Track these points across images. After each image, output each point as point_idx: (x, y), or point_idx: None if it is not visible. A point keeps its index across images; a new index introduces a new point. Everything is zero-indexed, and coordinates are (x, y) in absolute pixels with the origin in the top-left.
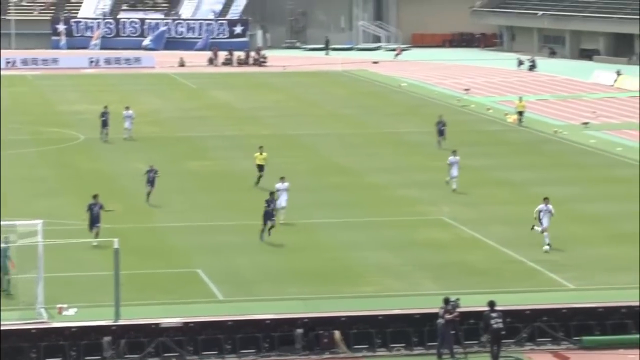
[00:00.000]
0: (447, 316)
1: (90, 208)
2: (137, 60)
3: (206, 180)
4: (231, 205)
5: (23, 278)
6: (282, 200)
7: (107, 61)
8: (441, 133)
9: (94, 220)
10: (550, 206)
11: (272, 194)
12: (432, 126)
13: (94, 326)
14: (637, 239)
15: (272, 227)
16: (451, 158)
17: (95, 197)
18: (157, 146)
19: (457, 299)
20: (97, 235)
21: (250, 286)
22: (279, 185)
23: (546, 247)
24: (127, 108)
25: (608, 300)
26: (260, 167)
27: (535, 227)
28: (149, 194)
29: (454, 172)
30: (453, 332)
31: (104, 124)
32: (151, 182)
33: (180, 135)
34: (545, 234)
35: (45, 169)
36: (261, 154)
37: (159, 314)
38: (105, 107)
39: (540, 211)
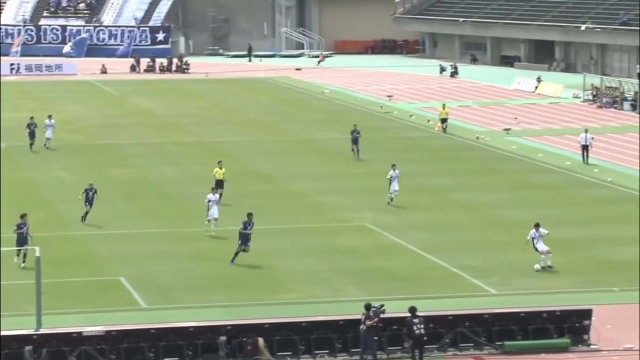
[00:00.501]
0: (368, 322)
1: (19, 227)
2: (59, 67)
3: (128, 188)
4: (153, 212)
5: None
6: (214, 211)
7: (28, 68)
8: (355, 141)
9: (21, 242)
10: (542, 230)
11: (249, 215)
12: None
13: (15, 335)
14: (558, 244)
15: (244, 250)
16: (391, 172)
17: (22, 216)
18: (78, 154)
19: (382, 305)
20: (25, 257)
21: (173, 294)
22: (210, 197)
23: (537, 266)
24: (50, 117)
25: (529, 305)
26: (220, 183)
27: (536, 266)
28: (86, 213)
29: (395, 186)
30: (376, 338)
31: (32, 135)
32: (90, 201)
33: (102, 143)
34: (548, 255)
35: None
36: (220, 168)
37: (81, 323)
38: (32, 117)
39: (533, 238)
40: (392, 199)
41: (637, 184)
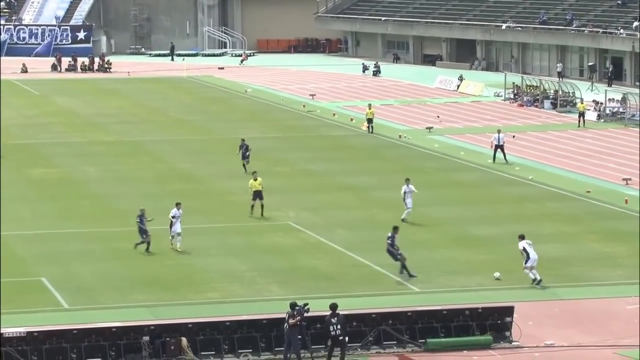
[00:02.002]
0: (291, 321)
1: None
2: None
3: (49, 188)
4: (74, 212)
5: None
6: (177, 227)
7: None
8: (244, 157)
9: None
10: (528, 241)
11: (394, 228)
12: (278, 131)
13: None
14: (480, 242)
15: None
16: (405, 187)
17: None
18: None
19: (306, 304)
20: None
21: (95, 294)
22: (174, 212)
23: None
24: None
25: (451, 302)
26: (259, 194)
27: (526, 271)
28: None
29: (409, 203)
30: (300, 337)
31: None
32: None
33: (23, 143)
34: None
35: None
36: (255, 180)
37: (2, 324)
38: None
39: (524, 248)
40: (404, 219)
41: (557, 182)
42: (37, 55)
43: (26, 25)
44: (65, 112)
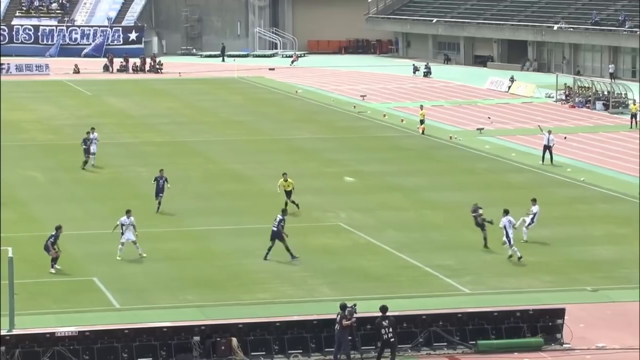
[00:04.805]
0: (345, 322)
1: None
2: (34, 67)
3: (100, 188)
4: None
5: None
6: (130, 235)
7: (2, 68)
8: (161, 190)
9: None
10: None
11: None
12: (328, 132)
13: None
14: (531, 243)
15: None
16: (533, 208)
17: (58, 228)
18: (51, 153)
19: (354, 305)
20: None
21: (146, 294)
22: (123, 220)
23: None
24: (92, 130)
25: (502, 304)
26: (289, 194)
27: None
28: (159, 203)
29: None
30: (350, 337)
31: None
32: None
33: (75, 143)
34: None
35: None
36: (285, 180)
37: (54, 323)
38: (89, 132)
39: (504, 226)
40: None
41: (608, 183)
42: (88, 56)
43: (78, 26)
44: (117, 113)
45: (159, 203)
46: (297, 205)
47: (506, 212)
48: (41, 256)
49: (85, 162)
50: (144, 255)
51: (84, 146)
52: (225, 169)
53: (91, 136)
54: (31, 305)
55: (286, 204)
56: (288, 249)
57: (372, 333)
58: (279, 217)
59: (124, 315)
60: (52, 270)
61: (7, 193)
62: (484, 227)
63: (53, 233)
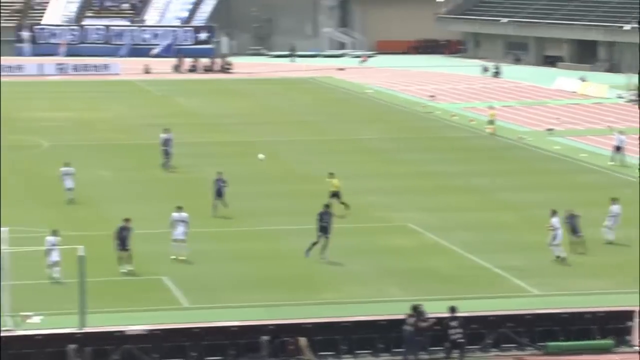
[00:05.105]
0: (422, 324)
1: (121, 230)
2: (102, 67)
3: (170, 188)
4: (195, 212)
5: None
6: (55, 256)
7: (73, 68)
8: (219, 194)
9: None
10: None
11: (327, 206)
12: (397, 132)
13: (59, 334)
14: (602, 245)
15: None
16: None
17: (126, 220)
18: (122, 153)
19: (420, 305)
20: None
21: (215, 293)
22: (175, 215)
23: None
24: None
25: (572, 306)
26: (336, 194)
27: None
28: (214, 206)
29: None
30: (418, 338)
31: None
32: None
33: (145, 143)
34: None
35: (8, 177)
36: (332, 180)
37: (124, 322)
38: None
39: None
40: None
41: None
42: (158, 56)
43: (149, 27)
44: (187, 113)
45: (215, 206)
46: (346, 205)
47: (554, 213)
48: (111, 255)
49: (165, 163)
50: (184, 258)
51: (164, 147)
52: (294, 169)
53: (166, 136)
54: (102, 304)
55: (337, 198)
56: (316, 245)
57: (441, 334)
58: (324, 211)
59: (193, 314)
60: (124, 270)
61: (79, 192)
62: (577, 232)
63: (123, 225)
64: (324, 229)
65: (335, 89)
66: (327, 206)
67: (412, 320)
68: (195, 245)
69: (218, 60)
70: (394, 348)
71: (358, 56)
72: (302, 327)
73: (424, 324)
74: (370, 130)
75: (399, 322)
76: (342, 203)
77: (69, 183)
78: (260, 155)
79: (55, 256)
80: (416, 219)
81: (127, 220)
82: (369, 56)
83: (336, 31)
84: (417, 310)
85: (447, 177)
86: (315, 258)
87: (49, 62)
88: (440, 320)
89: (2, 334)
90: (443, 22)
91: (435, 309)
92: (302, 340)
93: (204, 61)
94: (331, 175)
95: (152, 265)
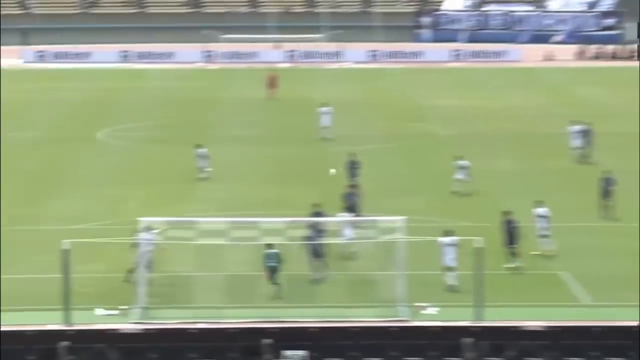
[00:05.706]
0: None
1: (508, 223)
2: (502, 53)
3: (566, 180)
4: (593, 206)
5: (383, 275)
6: (448, 259)
7: (473, 54)
8: (606, 194)
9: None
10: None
11: None
12: None
13: (452, 327)
14: None
15: None
16: None
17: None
18: (514, 143)
19: None
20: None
21: (618, 292)
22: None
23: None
24: None
25: None
26: None
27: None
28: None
29: None
30: None
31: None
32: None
33: (540, 133)
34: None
35: (404, 165)
36: None
37: (520, 317)
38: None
39: None
40: None
41: None
42: (560, 42)
43: (552, 12)
44: (583, 102)
45: (603, 206)
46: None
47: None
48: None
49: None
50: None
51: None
52: None
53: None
54: (498, 297)
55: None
56: None
57: None
58: None
59: (593, 312)
60: (510, 265)
61: (473, 183)
62: None
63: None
64: None
65: None
66: None
67: None
68: (596, 240)
69: (624, 47)
70: None
71: None
72: None
73: None
74: None
75: None
76: None
77: (460, 175)
78: (332, 170)
79: (449, 260)
80: None
81: (506, 213)
82: None
83: None
84: None
85: None
86: None
87: (444, 49)
88: None
89: (397, 324)
90: None
91: None
92: None
93: (610, 48)
94: None
95: (551, 260)
